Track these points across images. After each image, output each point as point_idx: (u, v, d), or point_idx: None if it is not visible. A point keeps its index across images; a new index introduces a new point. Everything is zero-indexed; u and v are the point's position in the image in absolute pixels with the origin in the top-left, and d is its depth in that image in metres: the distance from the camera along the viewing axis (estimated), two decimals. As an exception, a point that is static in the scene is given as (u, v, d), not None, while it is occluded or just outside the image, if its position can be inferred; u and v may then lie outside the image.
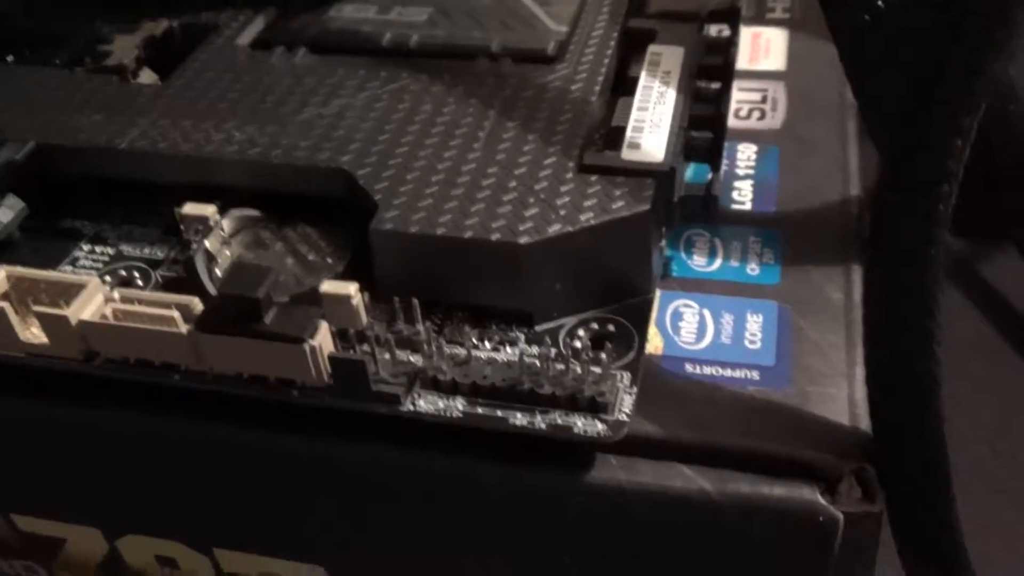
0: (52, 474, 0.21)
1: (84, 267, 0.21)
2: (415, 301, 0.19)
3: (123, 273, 0.21)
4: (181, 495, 0.21)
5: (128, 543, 0.22)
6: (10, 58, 0.25)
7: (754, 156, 0.25)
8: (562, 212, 0.19)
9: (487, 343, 0.19)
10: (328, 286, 0.18)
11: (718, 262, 0.22)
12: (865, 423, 0.18)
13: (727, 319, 0.21)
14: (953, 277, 0.36)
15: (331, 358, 0.18)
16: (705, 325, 0.20)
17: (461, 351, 0.18)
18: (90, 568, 0.24)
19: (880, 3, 0.20)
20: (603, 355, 0.18)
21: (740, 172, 0.25)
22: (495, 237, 0.18)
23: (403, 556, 0.20)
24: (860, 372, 0.19)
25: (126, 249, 0.22)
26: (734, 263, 0.22)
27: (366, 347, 0.18)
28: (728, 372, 0.19)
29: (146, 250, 0.22)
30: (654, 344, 0.20)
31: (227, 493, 0.20)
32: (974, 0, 0.14)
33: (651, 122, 0.21)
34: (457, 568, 0.20)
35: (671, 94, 0.22)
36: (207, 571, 0.22)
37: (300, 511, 0.20)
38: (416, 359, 0.18)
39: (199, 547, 0.22)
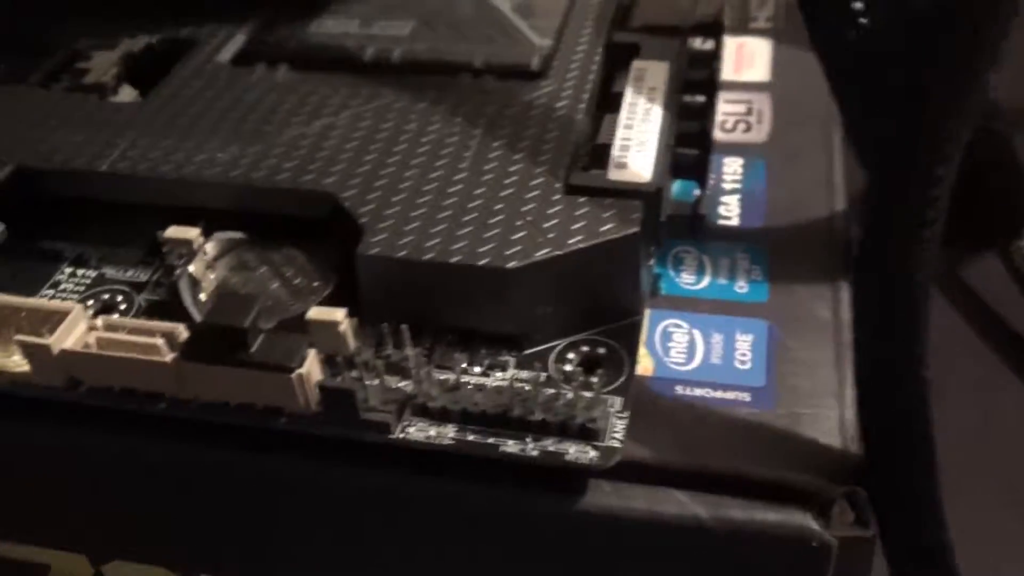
0: (37, 500, 0.21)
1: (66, 291, 0.21)
2: (404, 327, 0.18)
3: (106, 297, 0.21)
4: (167, 522, 0.21)
5: (115, 569, 0.22)
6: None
7: (740, 170, 0.25)
8: (550, 235, 0.19)
9: (476, 367, 0.19)
10: (315, 312, 0.18)
11: (706, 279, 0.22)
12: (856, 445, 0.18)
13: (717, 339, 0.21)
14: (939, 285, 0.37)
15: (319, 386, 0.17)
16: (695, 345, 0.20)
17: (451, 376, 0.18)
18: (75, 594, 0.23)
19: (863, 20, 0.20)
20: (594, 379, 0.18)
21: (727, 186, 0.25)
22: (483, 262, 0.18)
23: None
24: (850, 392, 0.19)
25: (108, 272, 0.21)
26: (722, 280, 0.22)
27: (354, 373, 0.18)
28: (719, 394, 0.19)
29: (129, 273, 0.21)
30: (644, 365, 0.20)
31: (214, 520, 0.20)
32: (957, 23, 0.14)
33: (637, 140, 0.21)
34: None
35: (656, 111, 0.22)
36: (194, 597, 0.22)
37: (289, 539, 0.20)
38: (405, 385, 0.18)
39: (185, 573, 0.21)
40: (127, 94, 0.25)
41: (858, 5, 0.19)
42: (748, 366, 0.20)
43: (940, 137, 0.15)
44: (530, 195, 0.20)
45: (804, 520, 0.17)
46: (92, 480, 0.20)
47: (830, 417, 0.19)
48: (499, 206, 0.19)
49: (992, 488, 0.32)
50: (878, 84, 0.18)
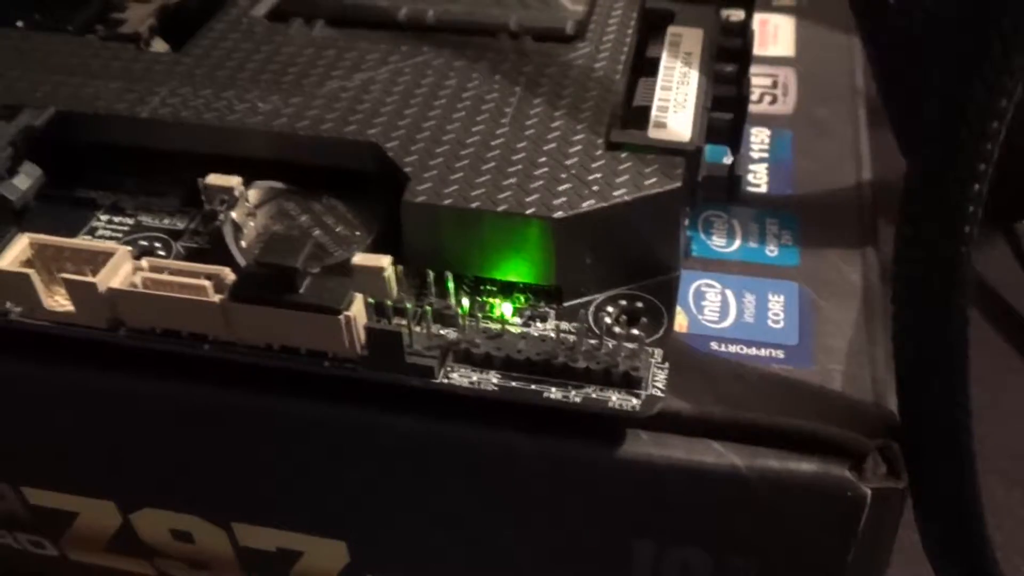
0: (70, 446, 0.21)
1: (103, 237, 0.21)
2: (448, 274, 0.19)
3: (144, 243, 0.21)
4: (203, 468, 0.21)
5: (144, 517, 0.22)
6: (20, 23, 0.25)
7: (768, 140, 0.25)
8: (595, 188, 0.19)
9: (517, 318, 0.19)
10: (361, 258, 0.18)
11: (737, 243, 0.22)
12: (889, 401, 0.19)
13: (749, 299, 0.21)
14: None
15: (366, 329, 0.18)
16: (728, 304, 0.21)
17: (494, 325, 0.19)
18: (100, 542, 0.23)
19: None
20: (637, 331, 0.18)
21: (754, 155, 0.25)
22: (530, 211, 0.18)
23: (429, 531, 0.20)
24: (881, 352, 0.20)
25: (145, 219, 0.21)
26: (753, 244, 0.22)
27: (398, 319, 0.18)
28: (753, 351, 0.20)
29: (165, 221, 0.21)
30: (678, 322, 0.20)
31: (251, 466, 0.20)
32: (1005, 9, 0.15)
33: (675, 102, 0.21)
34: (485, 544, 0.20)
35: (694, 75, 0.22)
36: (223, 545, 0.22)
37: (326, 484, 0.20)
38: (449, 332, 0.18)
39: (218, 521, 0.22)
40: (159, 46, 0.25)
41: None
42: (781, 325, 0.20)
43: (985, 115, 0.15)
44: (572, 150, 0.20)
45: (840, 471, 0.18)
46: (128, 424, 0.20)
47: (863, 375, 0.19)
48: (542, 159, 0.20)
49: (999, 470, 0.33)
50: (921, 67, 0.19)
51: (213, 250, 0.20)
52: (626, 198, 0.19)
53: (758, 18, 0.30)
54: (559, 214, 0.18)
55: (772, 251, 0.22)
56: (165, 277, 0.18)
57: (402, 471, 0.19)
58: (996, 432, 0.33)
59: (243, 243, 0.20)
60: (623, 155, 0.20)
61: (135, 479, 0.21)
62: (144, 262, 0.19)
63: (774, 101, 0.27)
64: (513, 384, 0.18)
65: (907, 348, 0.17)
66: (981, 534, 0.18)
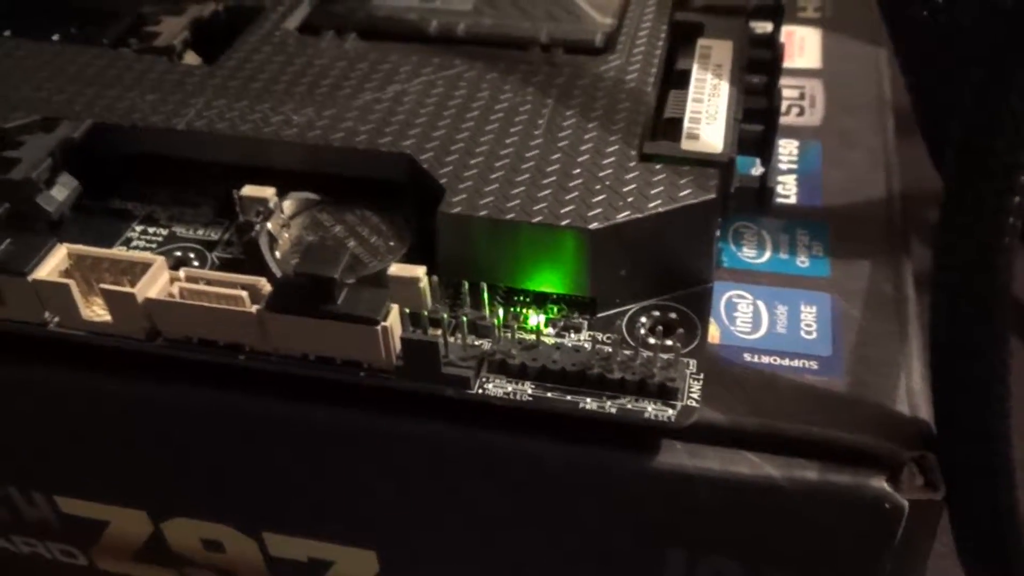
0: (104, 454, 0.21)
1: (138, 248, 0.21)
2: (483, 284, 0.19)
3: (178, 254, 0.21)
4: (236, 477, 0.21)
5: (174, 526, 0.22)
6: (55, 37, 0.25)
7: (796, 151, 0.25)
8: (629, 199, 0.19)
9: (551, 329, 0.19)
10: (396, 269, 0.18)
11: (767, 254, 0.22)
12: (924, 412, 0.19)
13: (781, 310, 0.21)
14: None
15: (403, 340, 0.18)
16: (760, 315, 0.21)
17: (529, 335, 0.19)
18: (130, 551, 0.24)
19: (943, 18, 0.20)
20: (672, 342, 0.18)
21: (783, 167, 0.25)
22: (565, 222, 0.18)
23: (461, 540, 0.20)
24: (916, 362, 0.20)
25: (179, 230, 0.22)
26: (783, 255, 0.22)
27: (433, 330, 0.18)
28: (786, 361, 0.20)
29: (199, 232, 0.22)
30: (711, 333, 0.20)
31: (284, 475, 0.20)
32: None
33: (707, 114, 0.21)
34: (518, 553, 0.20)
35: (724, 87, 0.22)
36: (254, 555, 0.22)
37: (359, 494, 0.20)
38: (484, 343, 0.19)
39: (249, 530, 0.22)
40: (191, 59, 0.25)
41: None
42: (814, 336, 0.20)
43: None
44: (606, 162, 0.20)
45: (877, 482, 0.18)
46: (161, 432, 0.21)
47: (897, 385, 0.19)
48: (576, 171, 0.20)
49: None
50: (953, 80, 0.19)
51: (247, 261, 0.20)
52: (660, 209, 0.19)
53: (784, 30, 0.30)
54: (594, 225, 0.18)
55: (803, 262, 0.22)
56: (202, 287, 0.19)
57: (436, 481, 0.19)
58: (1021, 439, 0.33)
59: (277, 254, 0.20)
60: (657, 167, 0.20)
61: (167, 488, 0.22)
62: (181, 272, 0.19)
63: (801, 113, 0.27)
64: (548, 395, 0.18)
65: (945, 358, 0.17)
66: (1018, 546, 0.18)
